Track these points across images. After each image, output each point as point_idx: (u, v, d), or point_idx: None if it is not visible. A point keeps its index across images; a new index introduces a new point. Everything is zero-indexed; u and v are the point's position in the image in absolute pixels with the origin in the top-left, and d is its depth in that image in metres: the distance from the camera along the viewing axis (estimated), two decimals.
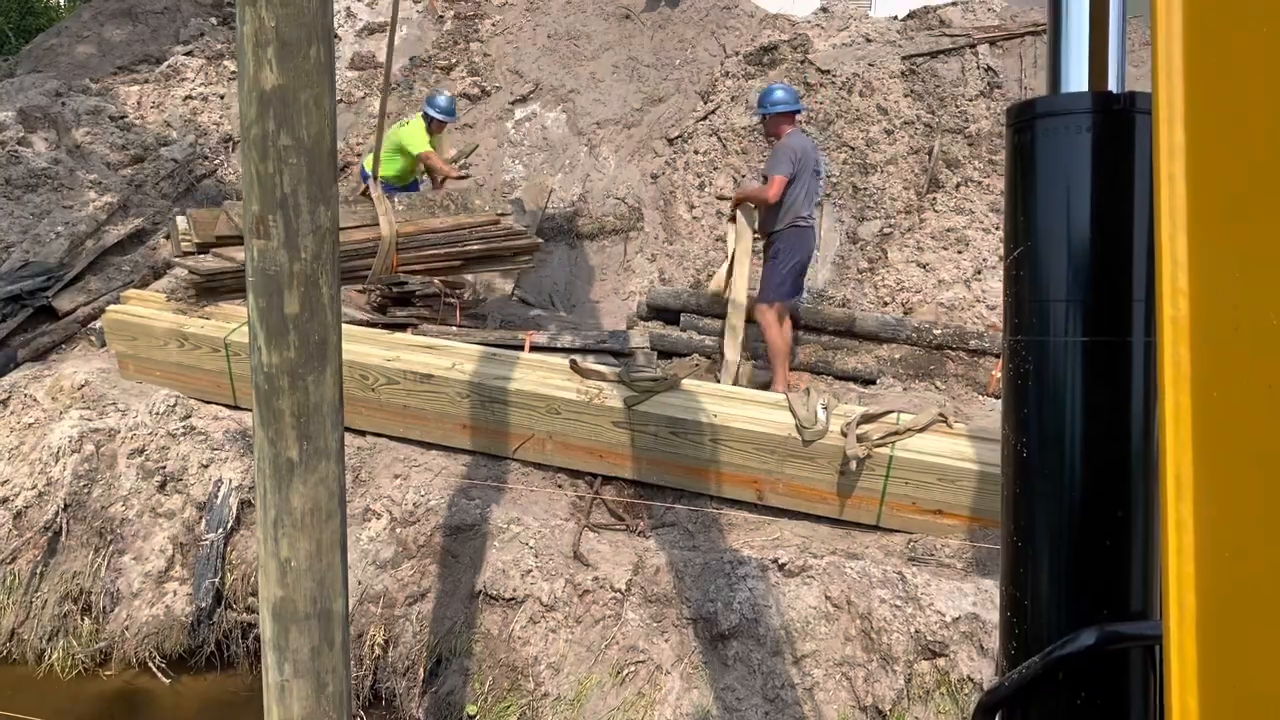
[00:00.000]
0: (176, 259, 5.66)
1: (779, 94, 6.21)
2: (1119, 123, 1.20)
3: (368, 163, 7.95)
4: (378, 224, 5.86)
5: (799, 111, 6.33)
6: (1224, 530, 0.71)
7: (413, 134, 7.93)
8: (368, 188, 6.45)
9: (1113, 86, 1.26)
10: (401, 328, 6.13)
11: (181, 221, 5.71)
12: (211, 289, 5.49)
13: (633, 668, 4.10)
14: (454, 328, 6.55)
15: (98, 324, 6.29)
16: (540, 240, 7.06)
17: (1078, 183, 1.20)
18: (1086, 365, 1.19)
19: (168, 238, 7.72)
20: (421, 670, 4.37)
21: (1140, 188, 1.18)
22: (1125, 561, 1.19)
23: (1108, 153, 1.20)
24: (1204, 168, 0.73)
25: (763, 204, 6.05)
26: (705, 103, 9.06)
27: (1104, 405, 1.19)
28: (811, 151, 6.20)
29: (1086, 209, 1.20)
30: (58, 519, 4.84)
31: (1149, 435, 1.19)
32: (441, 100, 8.07)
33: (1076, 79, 1.26)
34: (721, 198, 6.71)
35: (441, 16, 10.55)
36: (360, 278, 5.94)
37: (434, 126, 8.01)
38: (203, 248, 5.55)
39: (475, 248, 6.21)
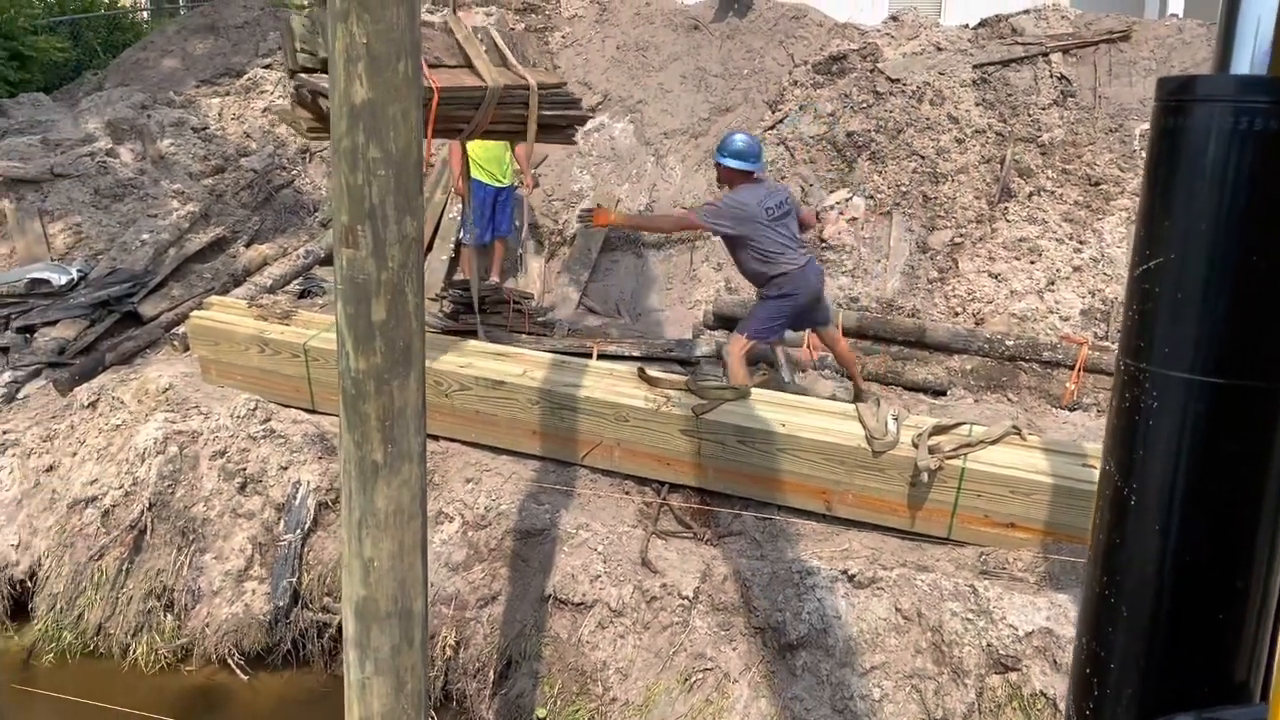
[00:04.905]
0: (296, 73, 4.58)
1: (739, 144, 5.64)
2: None
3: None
4: (475, 70, 5.11)
5: (755, 172, 5.68)
6: None
7: None
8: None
9: None
10: (473, 334, 6.23)
11: (297, 24, 4.59)
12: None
13: (701, 675, 4.11)
14: (524, 335, 6.64)
15: (180, 329, 6.49)
16: (591, 114, 6.45)
17: (1242, 186, 0.95)
18: (1221, 410, 0.98)
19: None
20: (492, 672, 4.43)
21: None
22: (1236, 637, 1.02)
23: None
24: None
25: (660, 231, 5.43)
26: (773, 112, 9.07)
27: (1236, 459, 0.99)
28: (766, 199, 5.62)
29: (1249, 220, 0.95)
30: (143, 518, 5.00)
31: None
32: None
33: (1253, 58, 1.01)
34: (584, 216, 5.98)
35: (512, 29, 10.69)
36: (455, 130, 5.31)
37: None
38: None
39: (549, 113, 5.45)
